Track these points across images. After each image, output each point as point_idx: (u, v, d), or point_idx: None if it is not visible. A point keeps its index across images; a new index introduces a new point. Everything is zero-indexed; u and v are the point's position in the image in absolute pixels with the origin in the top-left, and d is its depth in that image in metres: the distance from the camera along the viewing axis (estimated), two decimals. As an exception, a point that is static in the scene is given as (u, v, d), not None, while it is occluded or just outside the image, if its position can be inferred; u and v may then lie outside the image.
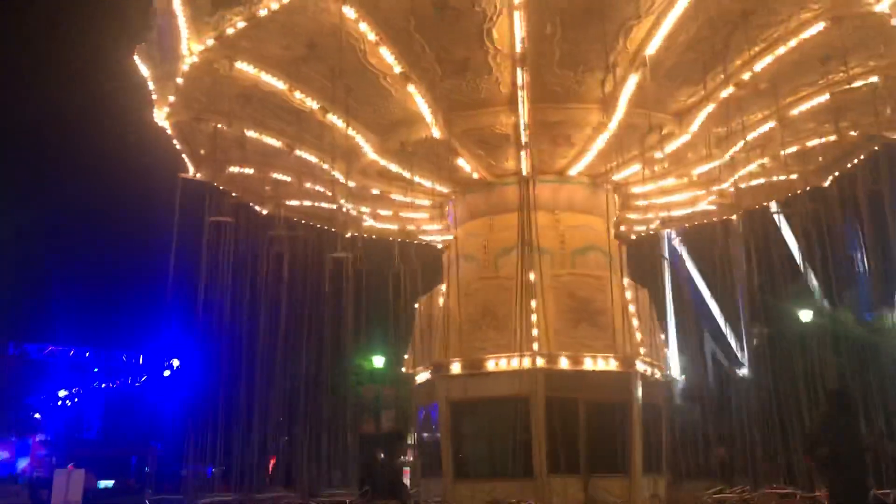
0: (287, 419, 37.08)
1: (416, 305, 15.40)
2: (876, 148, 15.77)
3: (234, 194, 16.98)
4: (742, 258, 28.29)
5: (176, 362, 49.49)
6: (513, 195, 14.11)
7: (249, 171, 15.96)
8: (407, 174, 13.93)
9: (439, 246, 18.93)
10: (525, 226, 12.69)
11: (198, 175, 15.80)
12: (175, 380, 48.79)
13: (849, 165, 17.03)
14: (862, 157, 16.10)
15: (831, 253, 23.81)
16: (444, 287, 14.00)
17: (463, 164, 13.53)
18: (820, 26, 11.24)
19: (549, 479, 12.29)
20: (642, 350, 13.25)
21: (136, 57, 13.84)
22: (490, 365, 13.07)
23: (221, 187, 16.74)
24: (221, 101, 13.26)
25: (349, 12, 10.61)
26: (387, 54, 11.31)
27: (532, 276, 13.13)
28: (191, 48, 11.51)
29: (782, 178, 16.81)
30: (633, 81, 11.66)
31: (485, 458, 12.96)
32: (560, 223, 13.79)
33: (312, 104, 12.71)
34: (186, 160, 15.52)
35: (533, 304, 12.91)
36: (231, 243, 16.88)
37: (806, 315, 33.62)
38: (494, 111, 12.43)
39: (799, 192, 17.41)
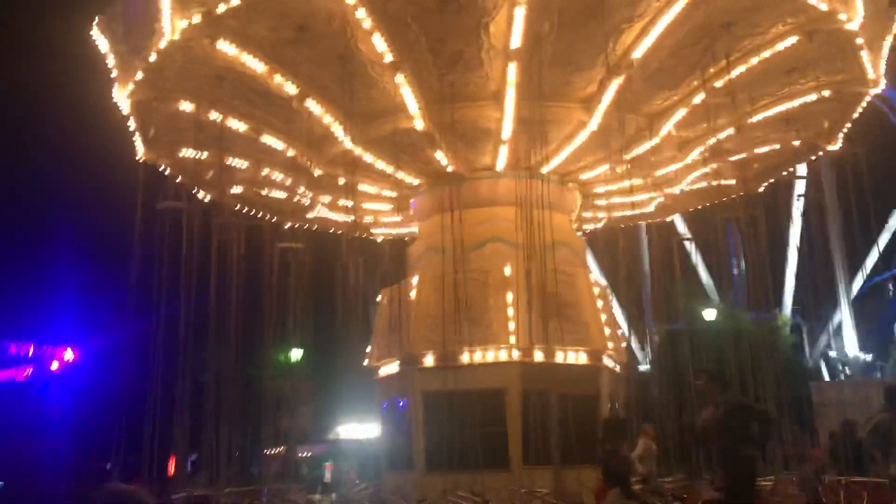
0: (196, 414, 35.95)
1: (379, 298, 15.28)
2: (812, 158, 16.86)
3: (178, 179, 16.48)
4: (644, 260, 29.68)
5: (69, 354, 46.78)
6: (487, 189, 14.28)
7: (202, 155, 15.42)
8: (381, 165, 13.81)
9: (402, 239, 18.93)
10: (503, 220, 12.88)
11: (144, 157, 15.19)
12: (69, 374, 46.19)
13: (783, 173, 18.18)
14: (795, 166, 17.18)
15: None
16: (414, 280, 13.93)
17: (440, 156, 13.50)
18: (793, 39, 11.91)
19: (523, 470, 12.49)
20: (610, 344, 13.65)
21: (94, 30, 13.14)
22: (464, 357, 13.13)
23: (167, 171, 16.18)
24: (190, 81, 12.82)
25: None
26: (379, 42, 11.18)
27: (508, 271, 13.32)
28: (174, 24, 11.01)
29: (721, 182, 17.72)
30: (616, 84, 12.00)
31: (458, 449, 13.01)
32: (532, 219, 13.97)
33: (291, 89, 12.40)
34: (137, 141, 14.85)
35: (509, 297, 13.10)
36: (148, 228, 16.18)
37: (709, 314, 35.52)
38: (480, 105, 12.50)
39: (733, 196, 18.39)
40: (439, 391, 13.07)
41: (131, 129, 14.32)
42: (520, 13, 10.68)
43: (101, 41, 13.18)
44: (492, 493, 12.03)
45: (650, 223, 20.72)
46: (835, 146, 15.80)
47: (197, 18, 10.87)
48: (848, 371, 43.15)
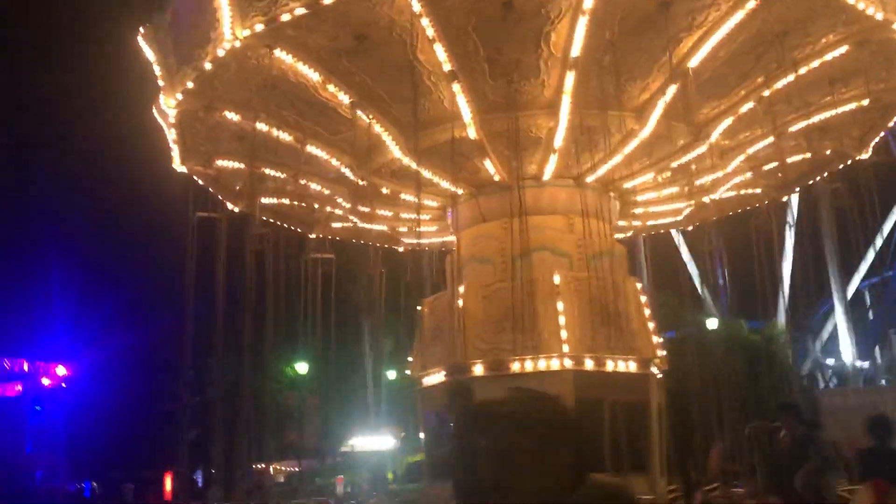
0: (201, 428, 35.47)
1: (420, 308, 15.23)
2: (840, 166, 17.07)
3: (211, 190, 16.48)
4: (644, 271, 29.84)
5: (62, 370, 45.82)
6: (533, 198, 14.28)
7: (238, 165, 15.40)
8: (427, 174, 13.81)
9: (422, 249, 18.91)
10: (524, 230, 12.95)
11: (181, 166, 15.16)
12: (63, 390, 45.26)
13: (810, 182, 18.41)
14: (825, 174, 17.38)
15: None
16: (461, 289, 13.90)
17: (489, 165, 13.52)
18: (843, 49, 12.10)
19: (578, 479, 12.45)
20: (659, 353, 13.70)
21: (140, 39, 13.12)
22: (515, 366, 13.11)
23: (201, 182, 16.15)
24: (239, 91, 12.80)
25: (416, 6, 10.46)
26: (440, 51, 11.20)
27: (557, 280, 13.34)
28: (235, 33, 10.98)
29: (749, 192, 17.92)
30: (671, 92, 12.10)
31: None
32: (575, 228, 14.02)
33: (345, 98, 12.38)
34: (174, 151, 14.79)
35: (560, 306, 13.11)
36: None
37: (711, 323, 35.82)
38: (532, 114, 12.54)
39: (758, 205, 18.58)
40: (488, 402, 12.96)
41: (172, 138, 14.26)
42: (583, 22, 10.75)
43: (147, 50, 13.13)
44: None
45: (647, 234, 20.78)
46: (865, 155, 16.03)
47: (259, 27, 10.83)
48: (835, 379, 43.72)
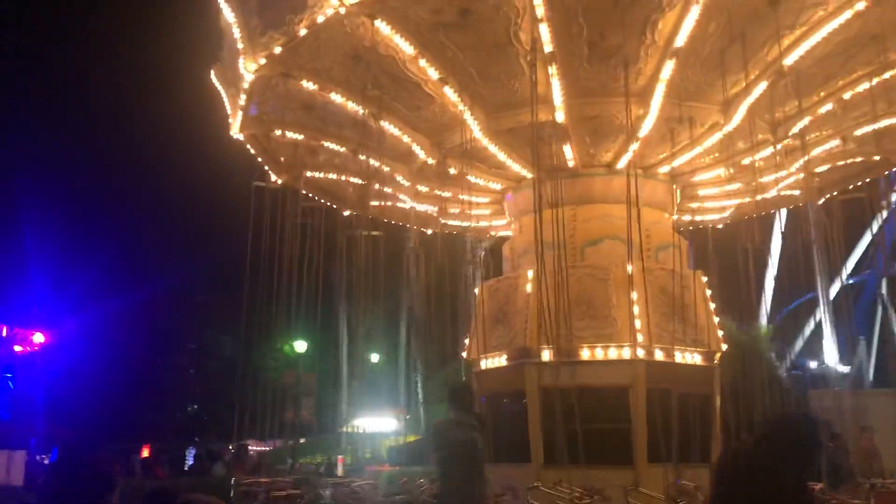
0: (198, 402, 34.93)
1: (477, 291, 15.13)
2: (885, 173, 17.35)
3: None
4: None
5: (40, 337, 44.27)
6: (601, 186, 14.28)
7: (298, 136, 15.24)
8: (502, 156, 13.72)
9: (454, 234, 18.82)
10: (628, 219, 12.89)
11: (239, 132, 14.98)
12: (41, 357, 43.87)
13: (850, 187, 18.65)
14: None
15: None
16: (529, 274, 13.82)
17: (567, 151, 13.44)
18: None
19: (646, 467, 12.53)
20: (724, 346, 13.81)
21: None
22: (584, 354, 13.09)
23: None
24: (323, 59, 12.59)
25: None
26: (545, 31, 11.03)
27: (630, 269, 13.33)
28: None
29: (788, 193, 18.10)
30: (761, 89, 12.14)
31: (576, 445, 12.95)
32: (643, 218, 14.01)
33: (434, 74, 12.18)
34: (237, 118, 14.53)
35: (634, 296, 13.11)
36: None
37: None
38: (621, 101, 12.45)
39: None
40: (557, 387, 12.96)
41: (240, 104, 13.93)
42: (694, 12, 10.70)
43: (227, 11, 12.79)
44: (613, 489, 12.04)
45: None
46: None
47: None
48: (820, 382, 44.69)
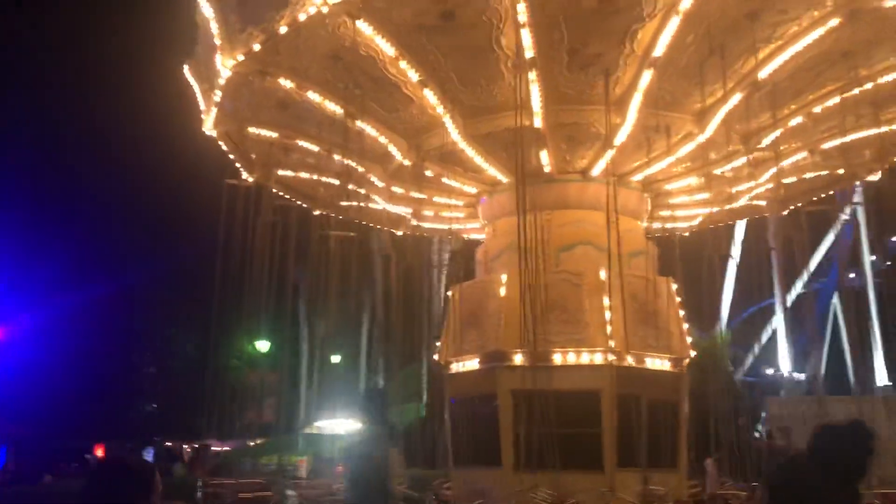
0: (155, 402, 34.31)
1: (450, 293, 15.15)
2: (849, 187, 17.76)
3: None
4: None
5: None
6: (576, 192, 14.39)
7: (272, 134, 15.09)
8: (479, 160, 13.73)
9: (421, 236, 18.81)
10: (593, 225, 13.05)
11: (212, 129, 14.81)
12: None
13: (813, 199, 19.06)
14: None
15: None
16: (503, 277, 13.88)
17: (544, 157, 13.53)
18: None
19: (616, 472, 12.66)
20: (692, 352, 14.01)
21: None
22: (557, 358, 13.18)
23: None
24: (301, 58, 12.48)
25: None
26: (526, 37, 11.07)
27: (603, 275, 13.47)
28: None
29: (756, 203, 18.43)
30: (735, 100, 12.35)
31: (547, 449, 13.03)
32: (619, 225, 14.16)
33: (414, 76, 12.16)
34: (210, 114, 14.35)
35: (605, 301, 13.24)
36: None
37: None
38: (599, 109, 12.57)
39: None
40: (527, 390, 13.03)
41: (215, 101, 13.76)
42: (674, 22, 10.85)
43: (205, 6, 12.62)
44: (584, 493, 12.17)
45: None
46: (875, 177, 16.73)
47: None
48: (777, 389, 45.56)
